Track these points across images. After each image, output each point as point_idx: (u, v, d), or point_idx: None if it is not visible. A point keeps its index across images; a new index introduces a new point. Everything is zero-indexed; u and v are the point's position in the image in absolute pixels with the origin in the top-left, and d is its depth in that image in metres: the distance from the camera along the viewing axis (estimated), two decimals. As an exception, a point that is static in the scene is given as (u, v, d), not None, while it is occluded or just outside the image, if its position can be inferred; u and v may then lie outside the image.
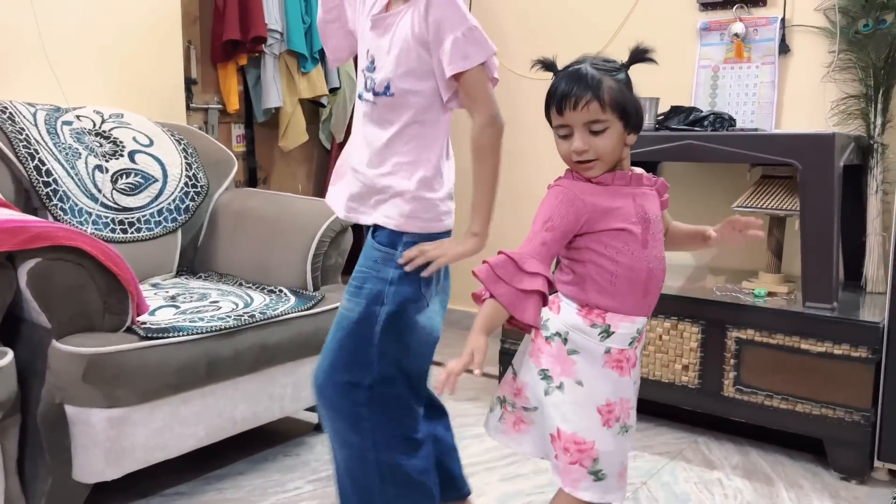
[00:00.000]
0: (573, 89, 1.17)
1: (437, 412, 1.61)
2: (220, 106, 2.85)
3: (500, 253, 1.19)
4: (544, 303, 1.20)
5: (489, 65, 1.32)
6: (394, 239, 1.35)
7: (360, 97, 1.39)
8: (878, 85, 2.30)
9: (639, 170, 1.28)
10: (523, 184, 3.17)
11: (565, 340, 1.25)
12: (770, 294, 2.21)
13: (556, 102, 1.19)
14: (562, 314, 1.26)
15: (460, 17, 1.28)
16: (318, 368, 1.43)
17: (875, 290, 2.26)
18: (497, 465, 2.04)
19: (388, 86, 1.32)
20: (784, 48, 2.53)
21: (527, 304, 1.16)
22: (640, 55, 1.21)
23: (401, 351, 1.38)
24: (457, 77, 1.29)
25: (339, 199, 1.45)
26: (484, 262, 1.18)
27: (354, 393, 1.37)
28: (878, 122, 2.30)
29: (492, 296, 1.16)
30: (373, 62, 1.35)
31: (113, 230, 2.04)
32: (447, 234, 1.41)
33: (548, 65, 1.24)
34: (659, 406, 2.32)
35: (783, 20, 2.52)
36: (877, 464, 1.95)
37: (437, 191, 1.36)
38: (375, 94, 1.34)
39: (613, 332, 1.23)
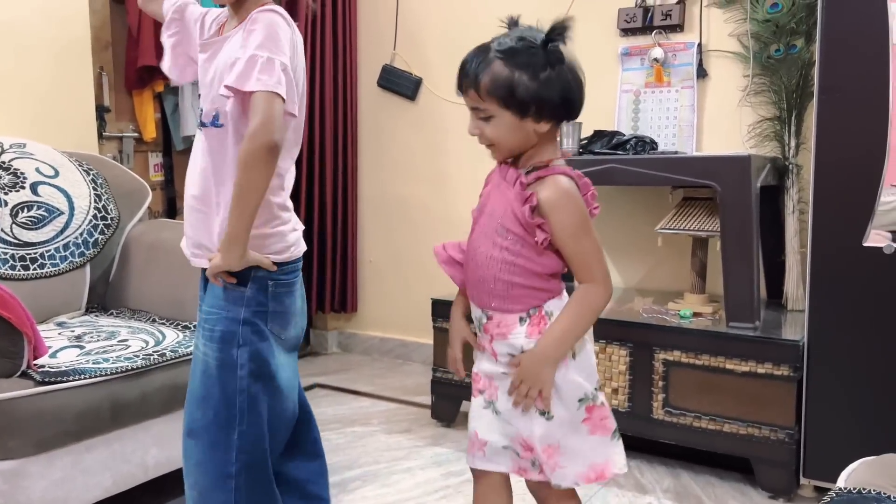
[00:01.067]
0: (459, 72, 1.17)
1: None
2: (135, 134, 2.75)
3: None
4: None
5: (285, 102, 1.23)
6: (243, 274, 1.29)
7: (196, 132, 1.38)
8: (790, 108, 2.36)
9: (553, 164, 1.19)
10: (451, 208, 3.15)
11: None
12: (695, 315, 2.22)
13: (458, 81, 1.19)
14: None
15: (272, 45, 1.22)
16: (190, 418, 1.35)
17: (795, 307, 2.31)
18: (427, 499, 1.98)
19: (215, 116, 1.28)
20: (702, 72, 2.59)
21: None
22: (554, 33, 1.16)
23: (269, 400, 1.35)
24: (238, 93, 1.21)
25: (196, 245, 1.37)
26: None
27: (224, 454, 1.31)
28: (793, 143, 2.36)
29: None
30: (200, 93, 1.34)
31: (13, 266, 1.92)
32: (298, 261, 1.38)
33: (510, 23, 1.25)
34: (591, 431, 2.30)
35: (700, 45, 2.58)
36: (803, 481, 1.96)
37: (279, 221, 1.33)
38: (203, 125, 1.31)
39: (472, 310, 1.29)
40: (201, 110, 1.32)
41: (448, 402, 2.49)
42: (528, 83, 1.13)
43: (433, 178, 3.20)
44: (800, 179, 2.35)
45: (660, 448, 2.22)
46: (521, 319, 1.22)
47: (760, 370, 1.96)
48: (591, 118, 2.62)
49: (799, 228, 2.33)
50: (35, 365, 1.55)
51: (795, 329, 2.07)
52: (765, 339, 1.97)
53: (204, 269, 1.35)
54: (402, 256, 3.31)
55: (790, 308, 2.33)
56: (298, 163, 3.24)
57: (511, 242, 1.19)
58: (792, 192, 2.35)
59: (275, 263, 1.32)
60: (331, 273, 3.28)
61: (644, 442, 2.21)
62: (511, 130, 1.16)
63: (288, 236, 1.35)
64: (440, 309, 2.47)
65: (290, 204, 1.38)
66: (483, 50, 1.16)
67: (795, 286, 2.33)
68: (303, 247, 1.40)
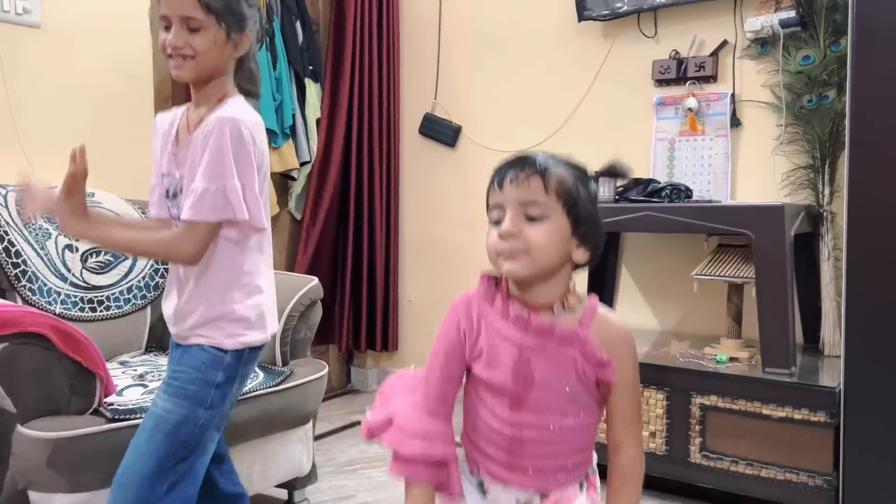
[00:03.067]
0: (517, 163, 1.04)
1: None
2: (191, 181, 2.90)
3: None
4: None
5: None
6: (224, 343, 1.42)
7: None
8: (824, 157, 2.42)
9: (571, 306, 1.05)
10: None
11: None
12: (731, 359, 2.26)
13: (497, 176, 1.04)
14: None
15: (221, 170, 1.29)
16: (127, 469, 1.39)
17: (832, 353, 2.33)
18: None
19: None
20: (735, 122, 2.66)
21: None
22: (612, 170, 1.09)
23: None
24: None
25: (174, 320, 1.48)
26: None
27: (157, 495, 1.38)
28: (827, 191, 2.41)
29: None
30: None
31: (82, 309, 2.05)
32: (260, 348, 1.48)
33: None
34: (629, 473, 2.33)
35: (733, 95, 2.66)
36: (842, 528, 1.97)
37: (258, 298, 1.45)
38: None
39: (488, 492, 1.06)
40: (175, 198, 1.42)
41: (487, 442, 2.54)
42: (588, 202, 1.03)
43: (471, 222, 3.29)
44: (834, 227, 2.39)
45: (697, 492, 2.24)
46: (580, 486, 1.10)
47: (797, 416, 1.99)
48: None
49: (834, 275, 2.37)
50: (105, 403, 1.66)
51: (832, 375, 2.09)
52: (801, 385, 2.00)
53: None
54: (441, 297, 3.40)
55: (827, 353, 2.35)
56: (346, 207, 3.36)
57: (585, 406, 1.05)
58: (827, 240, 2.39)
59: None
60: (373, 312, 3.39)
61: (681, 486, 2.24)
62: (559, 242, 1.00)
63: (267, 316, 1.47)
64: (480, 351, 2.54)
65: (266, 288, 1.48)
66: (537, 155, 1.06)
67: (832, 332, 2.36)
68: (274, 328, 1.50)
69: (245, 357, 1.44)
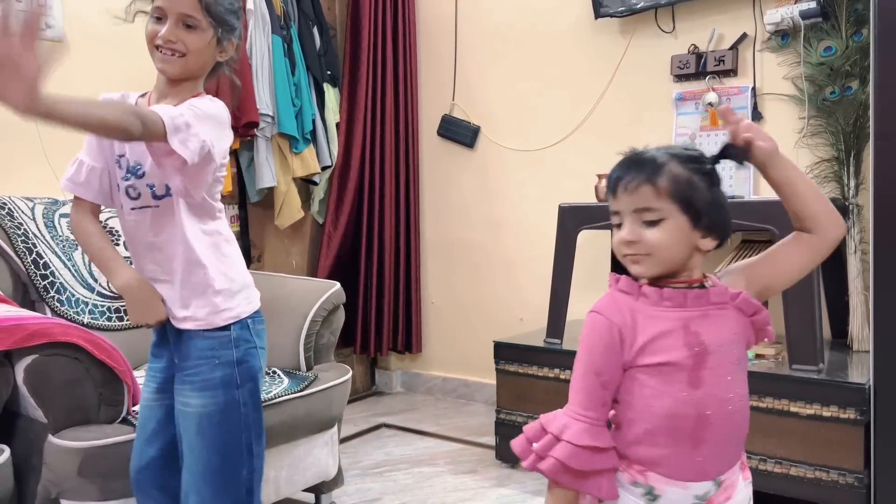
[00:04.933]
0: (628, 169, 1.04)
1: None
2: (214, 188, 2.93)
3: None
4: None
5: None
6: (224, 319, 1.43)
7: (134, 206, 1.40)
8: (848, 149, 2.38)
9: (713, 282, 1.07)
10: (509, 250, 3.24)
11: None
12: (758, 356, 2.23)
13: (611, 183, 1.06)
14: None
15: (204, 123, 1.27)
16: (191, 475, 1.40)
17: (860, 348, 2.29)
18: (495, 541, 2.03)
19: (167, 187, 1.37)
20: (757, 115, 2.63)
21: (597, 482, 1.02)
22: (729, 151, 1.05)
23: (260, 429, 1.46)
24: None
25: (174, 309, 1.46)
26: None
27: (237, 490, 1.41)
28: (852, 184, 2.37)
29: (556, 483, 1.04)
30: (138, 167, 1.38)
31: (109, 318, 2.08)
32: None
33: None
34: (655, 473, 2.32)
35: (754, 89, 2.63)
36: (874, 526, 1.95)
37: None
38: (158, 197, 1.38)
39: (660, 497, 1.03)
40: (150, 186, 1.38)
41: (512, 443, 2.54)
42: (706, 192, 1.02)
43: (491, 222, 3.29)
44: (861, 220, 2.35)
45: (726, 491, 2.22)
46: (739, 464, 1.10)
47: (826, 413, 1.96)
48: (648, 163, 2.69)
49: (862, 269, 2.33)
50: (133, 411, 1.68)
51: (861, 371, 2.06)
52: (830, 381, 1.97)
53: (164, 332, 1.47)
54: (464, 298, 3.40)
55: (856, 349, 2.32)
56: (366, 211, 3.38)
57: (746, 371, 1.08)
58: (853, 233, 2.35)
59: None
60: (396, 315, 3.40)
61: (709, 484, 2.22)
62: (680, 239, 1.01)
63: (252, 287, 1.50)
64: (502, 351, 2.54)
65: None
66: (644, 155, 1.05)
67: (860, 327, 2.32)
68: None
69: (249, 322, 1.45)
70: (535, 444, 1.07)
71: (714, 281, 1.08)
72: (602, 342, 1.04)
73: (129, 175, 1.39)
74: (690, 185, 1.01)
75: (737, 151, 1.05)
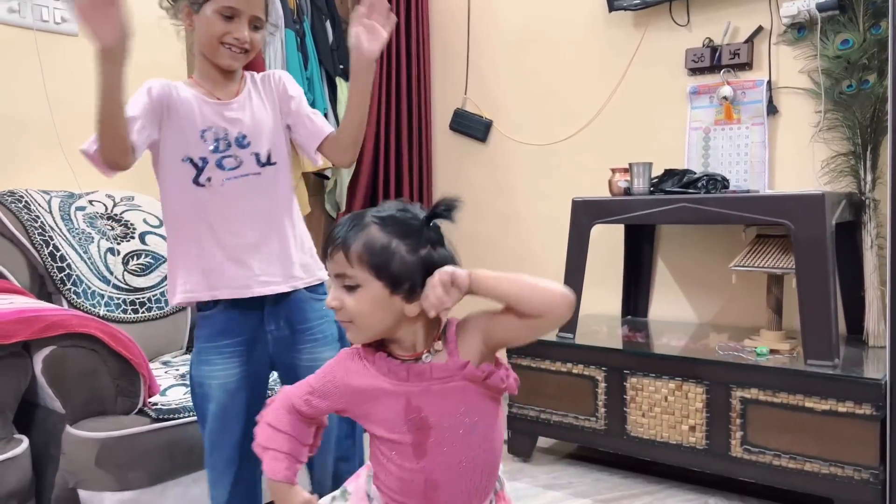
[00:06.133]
0: (335, 235, 1.03)
1: None
2: (227, 182, 2.94)
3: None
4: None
5: None
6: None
7: (232, 175, 1.45)
8: (865, 143, 2.36)
9: (448, 349, 1.04)
10: (520, 244, 3.24)
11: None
12: (772, 352, 2.22)
13: (324, 246, 1.06)
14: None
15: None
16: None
17: (876, 344, 2.28)
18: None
19: (269, 155, 1.49)
20: (772, 109, 2.61)
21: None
22: (440, 209, 1.05)
23: None
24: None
25: (276, 276, 1.48)
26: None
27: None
28: (869, 178, 2.35)
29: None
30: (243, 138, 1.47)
31: (125, 311, 2.09)
32: None
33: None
34: (667, 468, 2.32)
35: (769, 82, 2.60)
36: (889, 522, 1.94)
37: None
38: (262, 164, 1.47)
39: None
40: (256, 155, 1.47)
41: (524, 437, 2.55)
42: (406, 256, 1.01)
43: (504, 216, 3.29)
44: (877, 214, 2.33)
45: (738, 486, 2.22)
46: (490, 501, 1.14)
47: (841, 409, 1.95)
48: (661, 157, 2.68)
49: (878, 264, 2.31)
50: (149, 403, 1.70)
51: (877, 366, 2.05)
52: (845, 377, 1.96)
53: (287, 294, 1.50)
54: (476, 292, 3.39)
55: (871, 344, 2.30)
56: (374, 202, 3.39)
57: (488, 425, 1.06)
58: (869, 228, 2.33)
59: None
60: (407, 309, 3.40)
61: (722, 479, 2.22)
62: (377, 306, 1.00)
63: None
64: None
65: None
66: (359, 216, 1.04)
67: (876, 322, 2.31)
68: None
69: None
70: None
71: (450, 349, 1.04)
72: (327, 385, 1.08)
73: (225, 146, 1.45)
74: (385, 251, 1.00)
75: (447, 210, 1.03)
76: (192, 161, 1.43)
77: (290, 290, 1.49)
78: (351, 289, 1.00)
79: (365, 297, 1.00)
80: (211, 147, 1.44)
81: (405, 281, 1.00)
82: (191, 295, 1.45)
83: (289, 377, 1.49)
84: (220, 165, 1.44)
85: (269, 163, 1.48)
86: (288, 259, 1.49)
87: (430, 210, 1.04)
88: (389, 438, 1.04)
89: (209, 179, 1.44)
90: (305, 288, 1.51)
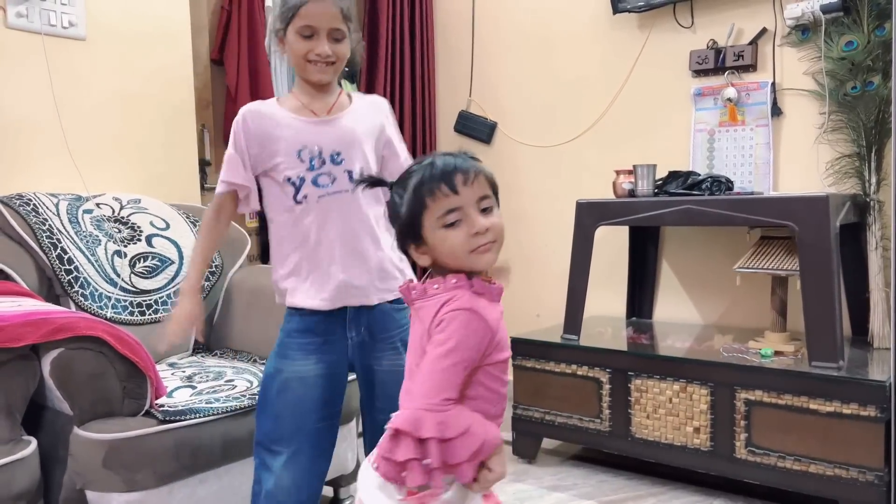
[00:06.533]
0: (458, 163, 1.08)
1: None
2: (233, 185, 2.95)
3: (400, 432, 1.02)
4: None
5: None
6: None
7: (326, 192, 1.51)
8: (870, 144, 2.36)
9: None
10: (526, 246, 3.24)
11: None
12: (777, 353, 2.23)
13: (446, 180, 1.07)
14: None
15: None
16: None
17: (881, 345, 2.28)
18: (512, 535, 2.04)
19: (361, 173, 1.53)
20: (776, 111, 2.61)
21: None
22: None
23: None
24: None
25: (366, 289, 1.55)
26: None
27: None
28: (873, 180, 2.35)
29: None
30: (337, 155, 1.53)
31: (132, 313, 2.11)
32: None
33: (375, 181, 1.21)
34: (672, 469, 2.32)
35: (774, 84, 2.61)
36: (894, 524, 1.93)
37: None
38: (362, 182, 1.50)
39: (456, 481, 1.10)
40: (349, 172, 1.53)
41: (529, 438, 2.55)
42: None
43: (508, 218, 3.26)
44: (882, 216, 2.33)
45: (743, 488, 2.22)
46: None
47: (846, 411, 1.95)
48: (666, 159, 2.69)
49: (883, 265, 2.31)
50: (156, 404, 1.71)
51: (882, 368, 2.05)
52: (850, 379, 1.96)
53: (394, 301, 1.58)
54: (481, 294, 3.40)
55: (876, 346, 2.30)
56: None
57: None
58: (874, 229, 2.33)
59: None
60: (412, 311, 3.41)
61: (726, 481, 2.22)
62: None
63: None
64: (519, 347, 2.55)
65: None
66: (452, 154, 1.13)
67: (881, 324, 2.31)
68: None
69: None
70: (427, 461, 1.01)
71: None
72: (477, 340, 1.06)
73: (321, 164, 1.50)
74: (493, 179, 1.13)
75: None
76: (290, 180, 1.51)
77: (377, 302, 1.56)
78: (488, 210, 1.09)
79: (499, 215, 1.10)
80: (307, 166, 1.50)
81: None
82: (290, 299, 1.57)
83: (366, 380, 1.61)
84: (315, 183, 1.51)
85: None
86: (376, 273, 1.55)
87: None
88: (506, 357, 1.11)
89: (305, 197, 1.51)
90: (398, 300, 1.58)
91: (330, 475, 2.07)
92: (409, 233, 1.12)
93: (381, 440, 1.08)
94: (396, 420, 1.03)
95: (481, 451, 1.05)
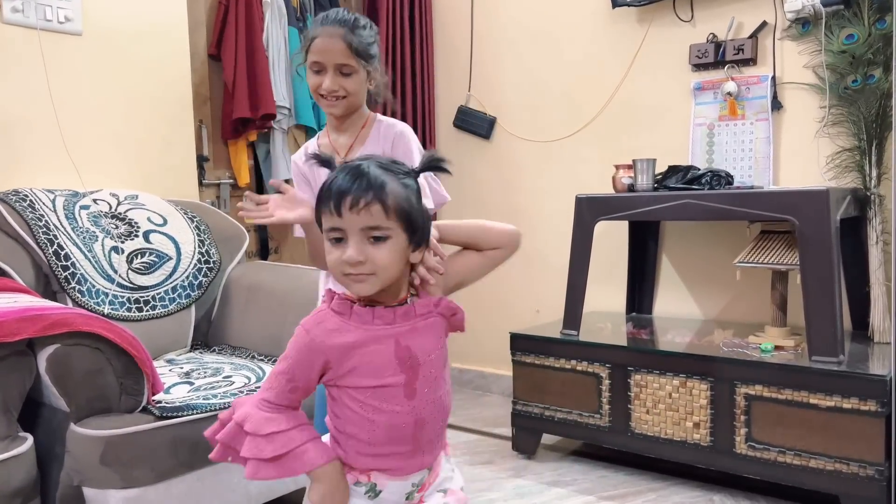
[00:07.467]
0: (353, 186, 1.00)
1: None
2: (231, 181, 2.95)
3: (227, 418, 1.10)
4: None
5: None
6: None
7: None
8: (870, 138, 2.35)
9: (417, 297, 1.12)
10: (525, 241, 3.23)
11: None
12: (777, 348, 2.22)
13: (333, 200, 1.01)
14: None
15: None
16: None
17: (882, 340, 2.27)
18: (511, 531, 2.04)
19: None
20: (777, 105, 2.60)
21: (291, 462, 1.06)
22: (433, 163, 1.09)
23: None
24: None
25: None
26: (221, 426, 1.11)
27: None
28: (874, 174, 2.34)
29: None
30: None
31: (129, 309, 2.10)
32: None
33: (323, 161, 1.09)
34: (672, 464, 2.32)
35: (774, 78, 2.59)
36: (895, 519, 1.93)
37: None
38: None
39: (382, 491, 1.10)
40: None
41: (529, 434, 2.55)
42: (418, 208, 1.06)
43: (508, 213, 3.28)
44: (882, 210, 2.32)
45: (743, 483, 2.21)
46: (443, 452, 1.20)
47: (846, 405, 1.94)
48: (665, 153, 2.68)
49: (883, 259, 2.30)
50: (153, 401, 1.70)
51: (882, 362, 2.04)
52: (850, 373, 1.95)
53: None
54: (480, 289, 3.38)
55: (877, 340, 2.29)
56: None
57: (446, 357, 1.15)
58: (875, 223, 2.32)
59: None
60: (411, 307, 3.40)
61: (726, 476, 2.22)
62: (400, 256, 1.04)
63: None
64: (519, 342, 2.54)
65: None
66: (358, 169, 1.03)
67: (882, 318, 2.30)
68: None
69: None
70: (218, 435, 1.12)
71: (416, 294, 1.13)
72: (303, 357, 1.07)
73: None
74: (409, 203, 1.04)
75: (438, 163, 1.08)
76: None
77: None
78: (379, 240, 1.02)
79: (394, 248, 1.02)
80: None
81: (419, 230, 1.05)
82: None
83: None
84: None
85: None
86: None
87: (426, 163, 1.09)
88: (381, 385, 1.06)
89: None
90: None
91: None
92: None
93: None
94: (238, 399, 1.12)
95: (283, 463, 1.05)
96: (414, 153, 1.56)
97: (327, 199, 1.02)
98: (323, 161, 1.09)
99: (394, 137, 1.58)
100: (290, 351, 1.08)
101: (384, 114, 1.69)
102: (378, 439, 1.08)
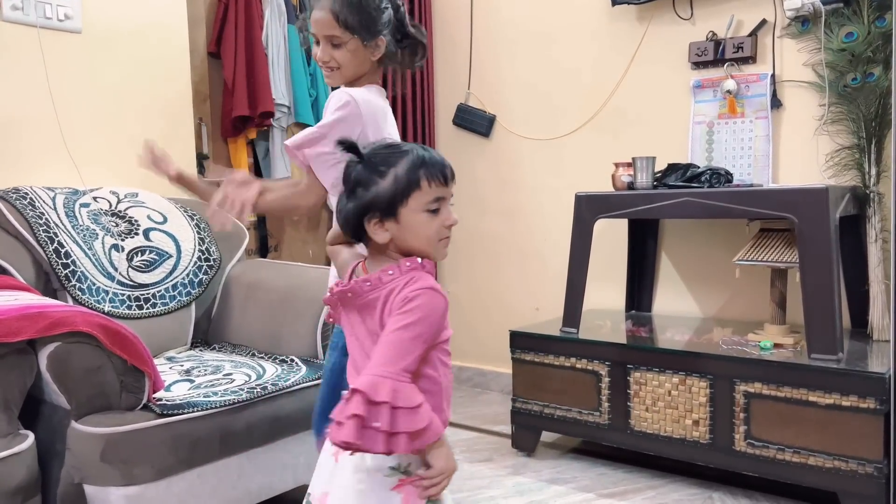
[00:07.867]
0: (448, 163, 1.17)
1: None
2: (231, 178, 2.94)
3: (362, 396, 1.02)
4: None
5: None
6: None
7: None
8: (870, 136, 2.35)
9: None
10: (525, 239, 3.24)
11: (406, 473, 1.13)
12: (776, 346, 2.22)
13: (443, 173, 1.14)
14: None
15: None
16: None
17: (881, 338, 2.27)
18: (511, 528, 2.04)
19: None
20: (776, 103, 2.60)
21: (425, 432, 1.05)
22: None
23: None
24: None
25: None
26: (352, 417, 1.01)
27: None
28: (873, 172, 2.34)
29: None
30: None
31: (129, 307, 2.10)
32: None
33: (349, 146, 1.16)
34: (671, 462, 2.32)
35: (773, 76, 2.60)
36: (894, 516, 1.93)
37: None
38: None
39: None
40: None
41: (528, 431, 2.55)
42: None
43: (507, 211, 3.29)
44: (882, 208, 2.33)
45: (742, 480, 2.22)
46: None
47: (845, 403, 1.95)
48: (665, 151, 2.68)
49: (882, 257, 2.31)
50: (153, 398, 1.71)
51: (881, 360, 2.04)
52: (849, 371, 1.96)
53: None
54: (480, 287, 3.41)
55: (876, 338, 2.30)
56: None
57: None
58: (874, 221, 2.33)
59: None
60: (411, 305, 3.41)
61: (725, 474, 2.22)
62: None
63: None
64: (518, 340, 2.54)
65: None
66: (424, 147, 1.19)
67: (881, 316, 2.30)
68: None
69: None
70: (377, 423, 1.01)
71: None
72: (438, 317, 1.11)
73: None
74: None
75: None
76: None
77: None
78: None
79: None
80: None
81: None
82: None
83: None
84: None
85: None
86: None
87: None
88: (449, 336, 1.15)
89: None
90: None
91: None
92: (383, 207, 1.12)
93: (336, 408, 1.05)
94: (356, 382, 1.04)
95: (424, 434, 1.04)
96: (328, 111, 1.49)
97: (437, 170, 1.13)
98: (348, 147, 1.16)
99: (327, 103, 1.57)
100: (423, 315, 1.07)
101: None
102: (447, 392, 1.16)
